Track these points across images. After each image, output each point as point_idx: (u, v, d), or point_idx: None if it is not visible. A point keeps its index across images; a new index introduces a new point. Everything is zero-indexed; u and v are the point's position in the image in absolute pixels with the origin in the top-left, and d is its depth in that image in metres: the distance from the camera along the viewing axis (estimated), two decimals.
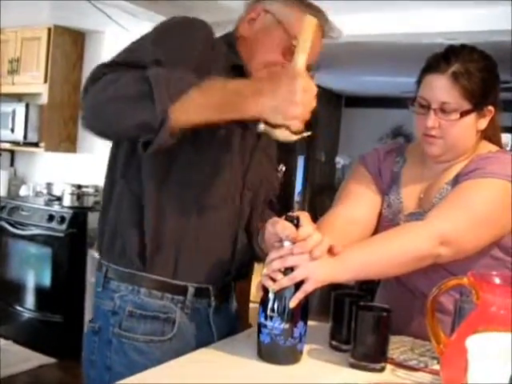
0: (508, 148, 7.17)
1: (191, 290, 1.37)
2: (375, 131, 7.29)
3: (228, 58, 1.40)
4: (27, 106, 4.51)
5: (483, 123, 1.46)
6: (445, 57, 1.42)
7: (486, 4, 3.19)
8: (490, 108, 1.45)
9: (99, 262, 1.42)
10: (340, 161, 8.07)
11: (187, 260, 1.36)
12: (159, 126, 1.12)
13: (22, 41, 4.58)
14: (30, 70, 4.55)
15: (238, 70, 1.38)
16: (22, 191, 4.86)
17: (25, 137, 4.53)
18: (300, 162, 7.13)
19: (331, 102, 7.92)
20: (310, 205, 7.21)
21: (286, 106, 1.11)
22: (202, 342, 1.37)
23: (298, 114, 1.13)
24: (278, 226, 1.24)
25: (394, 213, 1.54)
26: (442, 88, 1.40)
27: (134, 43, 1.28)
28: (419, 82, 1.47)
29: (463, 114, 1.40)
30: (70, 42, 4.60)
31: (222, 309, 1.47)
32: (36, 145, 4.57)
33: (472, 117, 1.42)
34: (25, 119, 4.51)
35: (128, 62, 1.21)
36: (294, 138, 1.19)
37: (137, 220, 1.34)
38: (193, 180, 1.35)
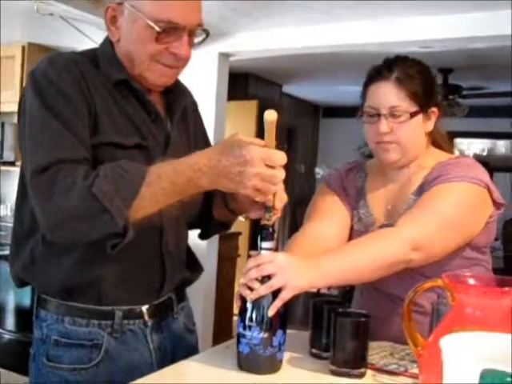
0: (485, 153, 7.27)
1: (119, 314, 1.32)
2: (353, 140, 7.31)
3: (108, 76, 1.32)
4: (3, 125, 4.49)
5: (430, 125, 1.51)
6: (385, 66, 1.49)
7: (459, 11, 3.24)
8: (434, 109, 1.51)
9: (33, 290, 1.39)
10: (319, 172, 8.10)
11: (110, 287, 1.31)
12: (123, 231, 1.16)
13: None
14: (4, 89, 4.51)
15: (123, 84, 1.32)
16: (0, 211, 4.80)
17: (1, 156, 4.50)
18: None
19: (308, 113, 7.97)
20: (291, 216, 7.23)
21: (236, 187, 1.15)
22: (137, 363, 1.33)
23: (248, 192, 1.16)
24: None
25: (366, 226, 1.56)
26: (388, 93, 1.46)
27: (44, 136, 1.20)
28: (364, 95, 1.53)
29: (412, 114, 1.46)
30: None
31: (164, 326, 1.41)
32: (13, 164, 4.53)
33: (420, 118, 1.48)
34: (1, 138, 4.48)
35: (55, 162, 1.16)
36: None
37: (50, 257, 1.31)
38: None
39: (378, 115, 1.47)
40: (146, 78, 1.33)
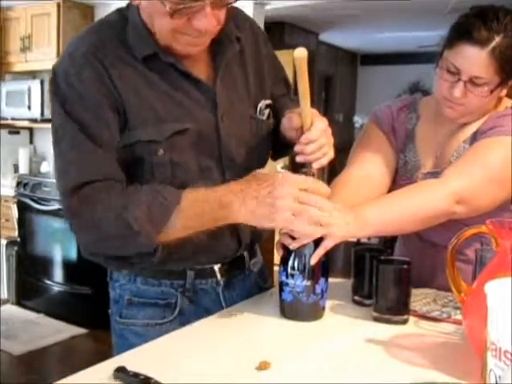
0: None
1: (190, 274, 1.33)
2: (392, 88, 7.20)
3: (137, 52, 1.21)
4: (42, 83, 4.53)
5: (504, 91, 1.42)
6: (487, 25, 1.34)
7: None
8: None
9: None
10: (358, 120, 8.02)
11: (183, 248, 1.26)
12: (154, 250, 1.19)
13: (32, 17, 4.59)
14: (41, 46, 4.56)
15: (152, 58, 1.21)
16: (43, 168, 4.91)
17: (42, 113, 4.56)
18: None
19: (346, 61, 7.84)
20: (330, 165, 7.19)
21: (269, 213, 1.13)
22: None
23: (283, 222, 1.15)
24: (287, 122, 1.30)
25: (411, 171, 1.52)
26: (478, 63, 1.34)
27: (73, 153, 1.18)
28: (450, 44, 1.38)
29: (493, 90, 1.36)
30: (79, 15, 4.58)
31: (236, 283, 1.41)
32: None
33: (498, 89, 1.39)
34: (41, 96, 4.54)
35: (87, 182, 1.16)
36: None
37: None
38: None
39: (458, 77, 1.36)
40: (174, 48, 1.21)
